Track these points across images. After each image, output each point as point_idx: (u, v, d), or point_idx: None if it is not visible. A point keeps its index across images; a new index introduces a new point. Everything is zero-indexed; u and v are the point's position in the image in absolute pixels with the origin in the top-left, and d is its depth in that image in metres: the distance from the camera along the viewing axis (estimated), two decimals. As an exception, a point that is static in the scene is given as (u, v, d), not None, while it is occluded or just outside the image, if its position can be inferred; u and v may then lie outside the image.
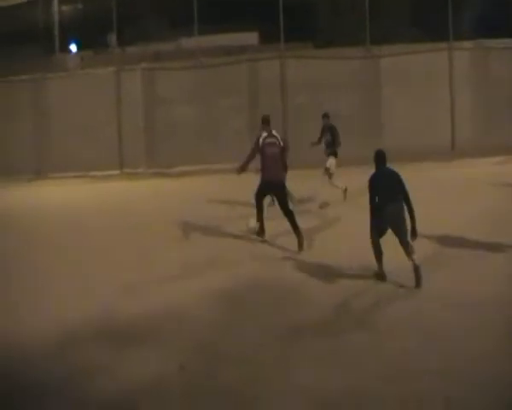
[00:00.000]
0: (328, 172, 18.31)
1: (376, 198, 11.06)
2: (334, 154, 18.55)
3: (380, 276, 11.18)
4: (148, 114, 28.44)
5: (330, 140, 18.61)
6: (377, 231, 11.19)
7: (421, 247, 11.27)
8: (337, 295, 10.47)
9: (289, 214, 13.79)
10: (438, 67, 27.36)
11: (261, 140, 14.15)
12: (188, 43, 31.06)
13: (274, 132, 14.43)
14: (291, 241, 13.53)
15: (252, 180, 14.53)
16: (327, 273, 11.53)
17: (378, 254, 11.21)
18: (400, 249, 10.76)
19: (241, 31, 31.81)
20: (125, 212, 19.15)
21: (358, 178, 19.52)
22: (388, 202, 10.95)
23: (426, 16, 28.29)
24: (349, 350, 8.28)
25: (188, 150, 26.28)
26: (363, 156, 24.70)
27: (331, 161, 18.37)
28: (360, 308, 9.88)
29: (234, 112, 26.26)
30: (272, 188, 14.18)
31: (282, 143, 14.49)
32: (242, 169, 14.28)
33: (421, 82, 26.72)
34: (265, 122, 14.55)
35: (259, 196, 14.14)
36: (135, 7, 34.15)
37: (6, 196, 23.21)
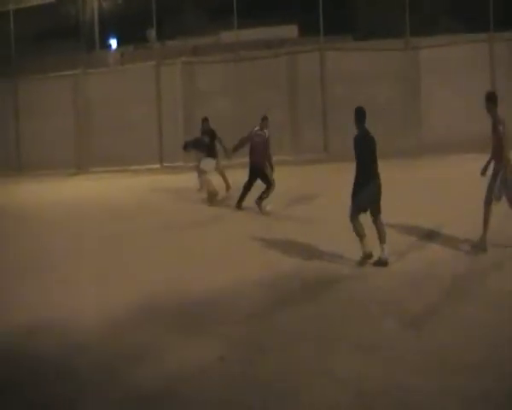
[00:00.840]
0: (201, 171, 19.80)
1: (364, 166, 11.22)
2: (213, 155, 19.75)
3: (368, 256, 11.26)
4: (187, 107, 28.55)
5: (208, 143, 19.76)
6: (359, 210, 11.30)
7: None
8: (383, 286, 10.39)
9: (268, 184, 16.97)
10: (478, 58, 27.05)
11: (253, 132, 17.61)
12: (227, 36, 31.11)
13: (265, 130, 17.54)
14: (324, 233, 13.54)
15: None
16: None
17: (362, 233, 11.30)
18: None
19: (280, 24, 31.78)
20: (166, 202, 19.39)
21: (396, 170, 19.69)
22: (373, 175, 11.23)
23: (466, 7, 28.03)
24: (390, 341, 8.21)
25: (227, 144, 26.29)
26: (403, 148, 24.94)
27: (207, 162, 19.57)
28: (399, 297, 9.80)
29: (273, 105, 26.19)
30: (253, 170, 17.19)
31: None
32: (235, 150, 18.24)
33: (461, 73, 26.42)
34: (265, 120, 17.73)
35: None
36: (174, 1, 34.32)
37: (49, 190, 23.41)
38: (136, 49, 34.90)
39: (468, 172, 16.32)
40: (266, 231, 14.66)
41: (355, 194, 11.15)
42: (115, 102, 29.16)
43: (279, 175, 17.60)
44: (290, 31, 32.80)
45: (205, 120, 20.43)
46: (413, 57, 27.86)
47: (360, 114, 11.83)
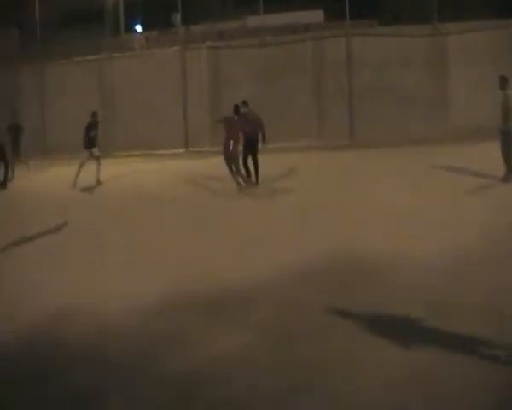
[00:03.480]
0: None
1: None
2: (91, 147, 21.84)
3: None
4: (212, 92, 28.52)
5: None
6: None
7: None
8: (399, 276, 10.33)
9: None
10: (506, 45, 26.73)
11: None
12: (252, 21, 31.03)
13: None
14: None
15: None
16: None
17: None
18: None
19: (305, 9, 31.59)
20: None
21: (420, 159, 19.60)
22: None
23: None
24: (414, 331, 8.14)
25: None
26: (429, 135, 24.78)
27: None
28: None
29: (299, 90, 26.12)
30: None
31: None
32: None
33: (488, 60, 26.07)
34: (244, 105, 19.51)
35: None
36: (199, -14, 34.26)
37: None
38: (161, 33, 34.82)
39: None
40: (296, 216, 14.66)
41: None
42: (140, 86, 29.16)
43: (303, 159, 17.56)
44: (316, 16, 32.59)
45: (94, 114, 22.52)
46: (440, 43, 27.61)
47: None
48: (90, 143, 21.74)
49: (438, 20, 27.64)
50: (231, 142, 18.29)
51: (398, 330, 8.08)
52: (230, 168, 18.53)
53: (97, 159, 21.96)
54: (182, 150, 25.63)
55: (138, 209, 16.99)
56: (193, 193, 18.95)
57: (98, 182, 21.87)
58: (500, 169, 16.67)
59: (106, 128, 29.29)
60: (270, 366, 7.34)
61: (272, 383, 6.94)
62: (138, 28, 38.39)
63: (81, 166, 21.49)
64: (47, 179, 24.29)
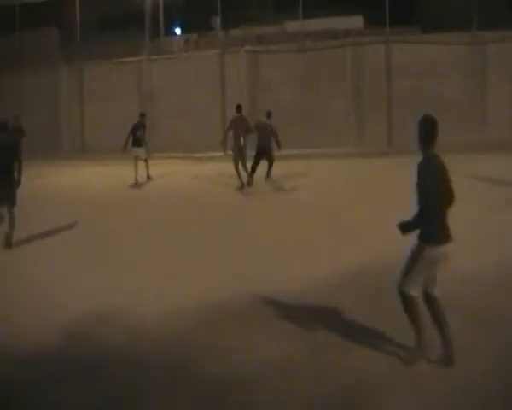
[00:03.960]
0: None
1: None
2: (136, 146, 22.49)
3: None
4: (251, 96, 28.58)
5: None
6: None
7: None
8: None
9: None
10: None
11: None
12: (292, 26, 31.04)
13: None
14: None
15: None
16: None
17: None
18: None
19: (345, 14, 31.56)
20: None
21: (461, 166, 19.44)
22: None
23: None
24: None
25: (291, 134, 26.25)
26: (468, 143, 24.59)
27: None
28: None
29: (338, 96, 26.10)
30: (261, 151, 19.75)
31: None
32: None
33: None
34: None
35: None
36: (239, -10, 34.35)
37: (118, 175, 23.75)
38: (201, 36, 34.97)
39: None
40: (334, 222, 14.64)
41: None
42: (179, 88, 29.35)
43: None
44: (355, 22, 32.56)
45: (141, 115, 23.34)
46: (480, 51, 27.47)
47: None
48: (135, 142, 22.37)
49: (478, 27, 27.46)
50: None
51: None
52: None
53: (145, 161, 22.77)
54: (220, 153, 25.57)
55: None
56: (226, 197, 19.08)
57: (149, 178, 22.92)
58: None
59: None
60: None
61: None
62: (178, 31, 38.58)
63: (135, 164, 22.34)
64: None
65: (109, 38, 31.40)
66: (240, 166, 19.93)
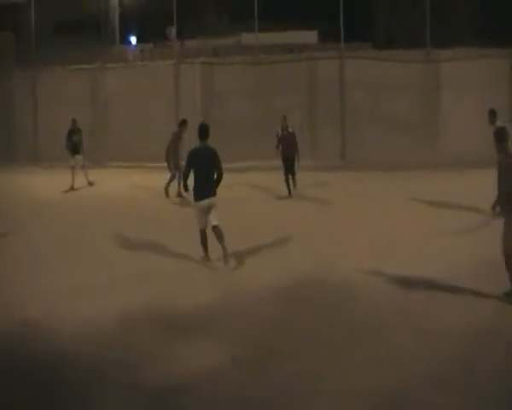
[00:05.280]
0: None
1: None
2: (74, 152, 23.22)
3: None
4: (205, 107, 28.47)
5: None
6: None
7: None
8: (389, 295, 10.32)
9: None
10: (499, 74, 26.74)
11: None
12: (247, 39, 31.09)
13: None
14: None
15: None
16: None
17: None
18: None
19: (300, 29, 31.73)
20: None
21: (411, 184, 19.64)
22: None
23: (489, 21, 27.84)
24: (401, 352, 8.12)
25: (243, 146, 26.28)
26: (420, 160, 24.77)
27: None
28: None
29: (291, 110, 26.06)
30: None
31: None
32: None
33: (482, 88, 25.99)
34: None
35: None
36: (195, 1, 34.34)
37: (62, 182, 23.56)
38: (156, 46, 34.93)
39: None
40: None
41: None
42: (133, 97, 29.15)
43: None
44: (310, 36, 32.78)
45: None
46: (433, 69, 27.68)
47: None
48: (73, 148, 23.03)
49: (432, 45, 27.69)
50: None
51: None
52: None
53: (82, 168, 23.24)
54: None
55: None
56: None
57: (90, 184, 23.40)
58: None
59: (97, 137, 29.29)
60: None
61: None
62: (133, 40, 38.47)
63: (73, 171, 22.83)
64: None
65: (65, 44, 31.12)
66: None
